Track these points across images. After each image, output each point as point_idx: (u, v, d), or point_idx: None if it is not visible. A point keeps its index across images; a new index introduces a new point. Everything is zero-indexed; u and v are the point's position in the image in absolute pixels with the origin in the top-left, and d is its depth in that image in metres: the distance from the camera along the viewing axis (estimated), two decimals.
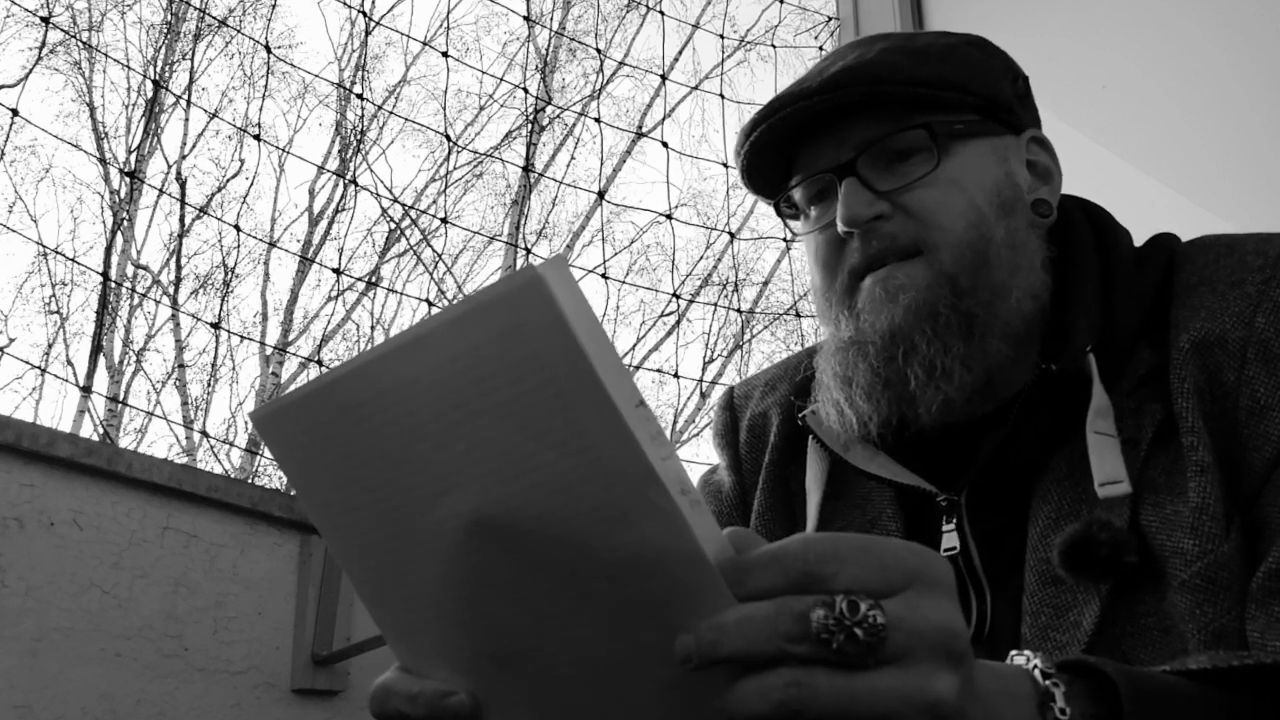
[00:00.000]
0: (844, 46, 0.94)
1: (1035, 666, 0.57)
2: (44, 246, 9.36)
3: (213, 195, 10.38)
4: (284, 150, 11.07)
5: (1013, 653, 0.59)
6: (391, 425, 0.52)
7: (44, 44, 9.56)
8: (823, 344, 0.93)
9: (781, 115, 0.89)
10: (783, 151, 0.93)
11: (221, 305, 10.23)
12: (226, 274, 10.25)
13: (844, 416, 0.88)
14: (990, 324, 0.85)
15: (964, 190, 0.86)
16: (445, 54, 3.55)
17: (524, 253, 10.84)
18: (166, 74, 10.16)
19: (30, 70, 9.65)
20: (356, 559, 0.57)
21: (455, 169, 10.88)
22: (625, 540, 0.49)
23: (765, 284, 11.07)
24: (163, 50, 10.20)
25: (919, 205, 0.86)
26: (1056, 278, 0.89)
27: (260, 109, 10.75)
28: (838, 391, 0.88)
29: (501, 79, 10.46)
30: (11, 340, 9.58)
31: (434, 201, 10.77)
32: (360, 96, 11.79)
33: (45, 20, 9.08)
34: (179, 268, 10.12)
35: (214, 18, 9.28)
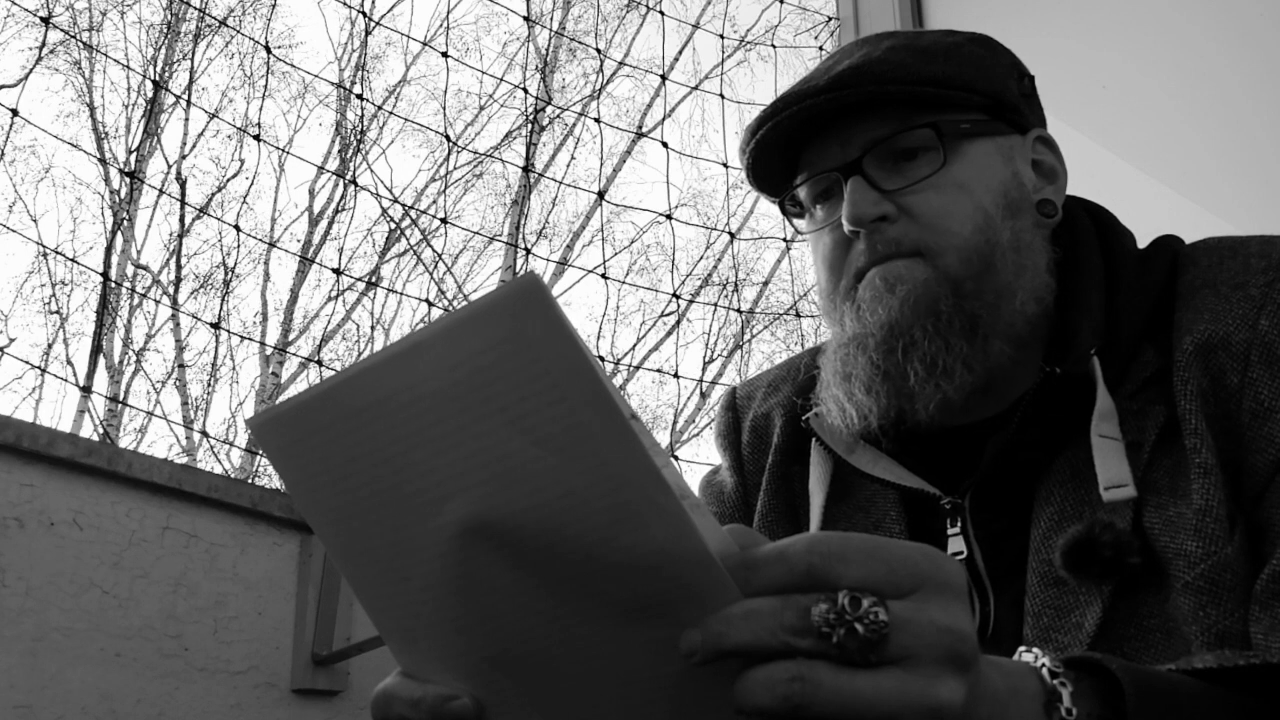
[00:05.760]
0: (850, 45, 0.94)
1: (1043, 665, 0.57)
2: (44, 246, 9.36)
3: (213, 195, 10.38)
4: (284, 150, 11.08)
5: (1020, 649, 0.59)
6: (392, 431, 0.52)
7: (44, 44, 9.56)
8: (826, 344, 0.93)
9: (788, 113, 0.88)
10: (788, 150, 0.92)
11: (221, 305, 10.23)
12: (226, 274, 10.24)
13: (845, 412, 0.88)
14: (994, 325, 0.84)
15: (970, 193, 0.86)
16: (445, 54, 3.55)
17: (524, 253, 10.83)
18: (166, 74, 10.16)
19: (30, 70, 9.65)
20: (356, 565, 0.57)
21: (455, 169, 10.88)
22: (630, 542, 0.49)
23: (765, 284, 11.07)
24: (163, 50, 10.19)
25: (925, 209, 0.86)
26: (1060, 279, 0.89)
27: (260, 109, 10.75)
28: (837, 388, 0.88)
29: (501, 79, 10.45)
30: (11, 340, 9.58)
31: (434, 201, 10.76)
32: (360, 96, 11.80)
33: (45, 20, 9.07)
34: (179, 268, 10.11)
35: (214, 18, 9.28)
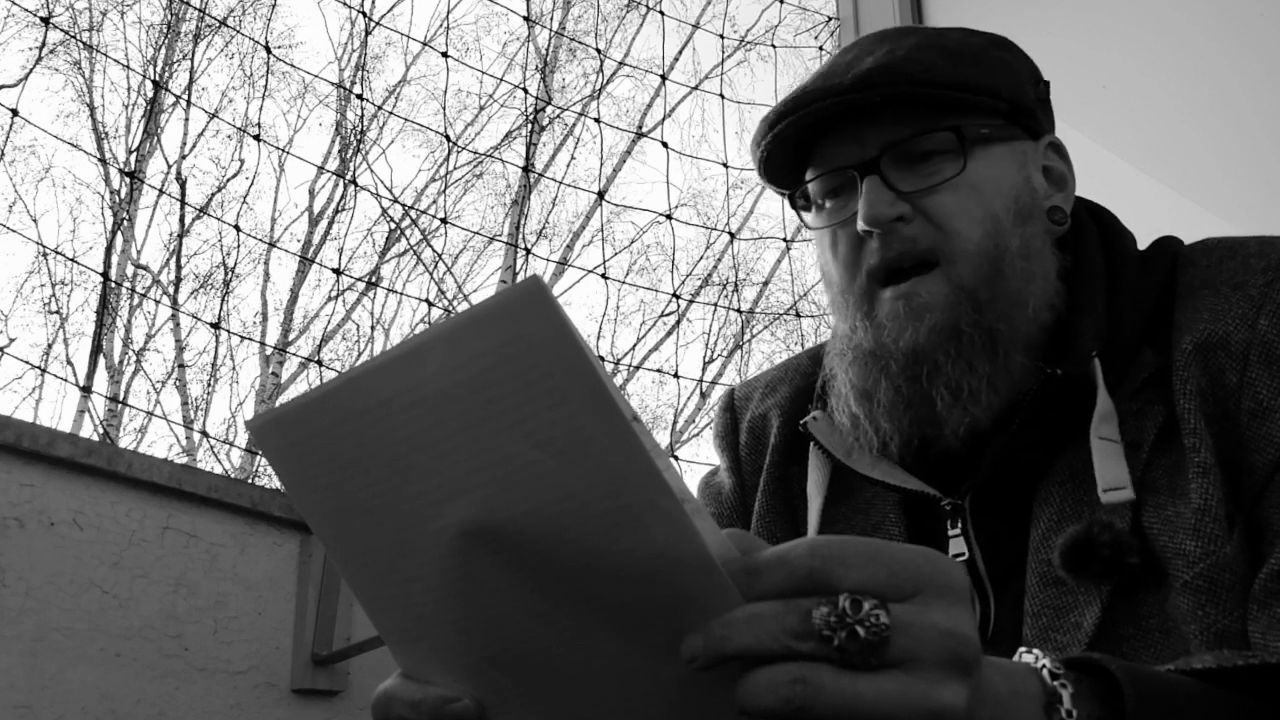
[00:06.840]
0: (866, 40, 0.92)
1: (1043, 666, 0.57)
2: (44, 246, 9.36)
3: (213, 195, 10.39)
4: (284, 150, 11.08)
5: (1021, 650, 0.59)
6: (393, 434, 0.52)
7: (44, 44, 9.56)
8: (831, 344, 0.92)
9: (813, 109, 0.87)
10: (802, 144, 0.92)
11: (221, 305, 10.23)
12: (226, 274, 10.25)
13: (864, 432, 0.87)
14: (1013, 339, 0.84)
15: (983, 197, 0.86)
16: (445, 54, 3.55)
17: (524, 253, 10.83)
18: (166, 74, 10.16)
19: (30, 70, 9.65)
20: (357, 567, 0.57)
21: (455, 169, 10.88)
22: (631, 545, 0.49)
23: (765, 284, 11.07)
24: (163, 50, 10.19)
25: (940, 211, 0.85)
26: (1065, 283, 0.89)
27: (260, 109, 10.75)
28: (857, 405, 0.88)
29: (501, 79, 10.45)
30: (11, 340, 9.58)
31: (434, 201, 10.76)
32: (360, 96, 11.79)
33: (45, 20, 9.07)
34: (179, 268, 10.11)
35: (214, 18, 9.28)
